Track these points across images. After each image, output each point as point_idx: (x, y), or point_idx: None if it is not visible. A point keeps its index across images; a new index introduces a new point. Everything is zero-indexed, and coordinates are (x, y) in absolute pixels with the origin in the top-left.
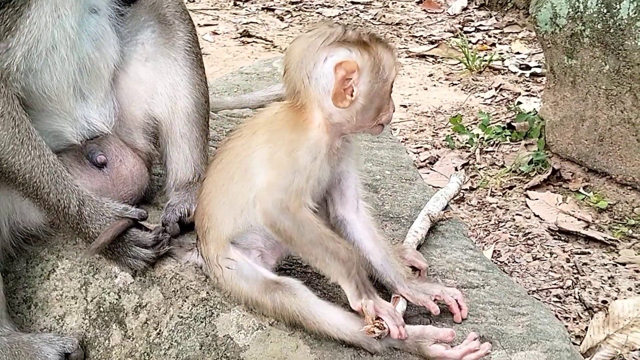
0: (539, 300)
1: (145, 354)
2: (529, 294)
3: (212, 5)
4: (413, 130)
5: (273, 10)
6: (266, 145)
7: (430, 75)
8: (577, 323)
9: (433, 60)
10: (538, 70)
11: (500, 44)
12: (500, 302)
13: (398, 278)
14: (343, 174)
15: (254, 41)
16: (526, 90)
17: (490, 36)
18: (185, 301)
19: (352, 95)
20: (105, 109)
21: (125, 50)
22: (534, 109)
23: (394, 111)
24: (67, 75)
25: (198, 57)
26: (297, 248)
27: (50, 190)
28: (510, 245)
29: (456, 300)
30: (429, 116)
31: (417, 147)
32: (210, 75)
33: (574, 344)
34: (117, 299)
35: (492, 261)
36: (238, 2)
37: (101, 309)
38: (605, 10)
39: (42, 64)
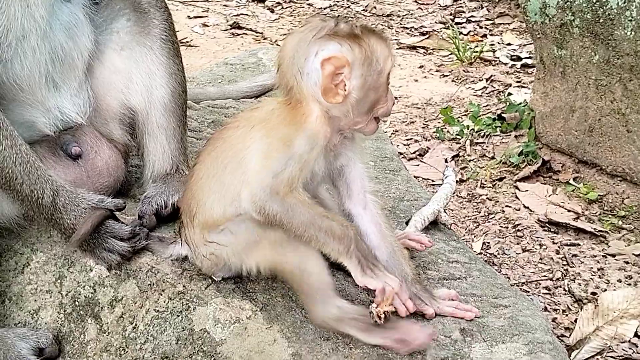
0: (528, 292)
1: (121, 348)
2: (518, 285)
3: None
4: (403, 122)
5: (263, 1)
6: (263, 139)
7: (421, 66)
8: (567, 315)
9: (424, 52)
10: (529, 61)
11: (491, 35)
12: (483, 293)
13: (402, 277)
14: (345, 168)
15: (244, 33)
16: (517, 82)
17: (481, 27)
18: (161, 295)
19: (344, 90)
20: (79, 99)
21: (100, 39)
22: (525, 100)
23: (393, 104)
24: (39, 65)
25: (175, 45)
26: (290, 232)
27: (23, 180)
28: (499, 237)
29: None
30: (420, 108)
31: (407, 139)
32: (200, 67)
33: (563, 335)
34: (92, 293)
35: (482, 253)
36: None
37: (76, 303)
38: (594, 0)
39: (12, 54)
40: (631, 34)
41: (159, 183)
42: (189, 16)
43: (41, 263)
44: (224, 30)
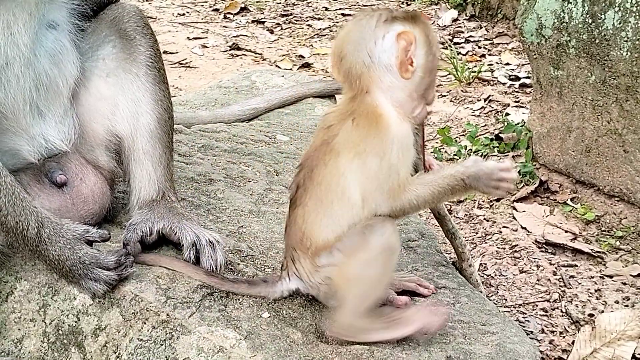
0: (525, 314)
1: None
2: (515, 307)
3: (202, 19)
4: None
5: (263, 22)
6: (354, 161)
7: None
8: (564, 337)
9: None
10: (527, 81)
11: (490, 54)
12: (470, 320)
13: None
14: None
15: (243, 54)
16: (515, 101)
17: (480, 47)
18: (145, 323)
19: (412, 65)
20: (64, 126)
21: (86, 65)
22: (522, 120)
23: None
24: (23, 92)
25: (161, 72)
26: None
27: (8, 212)
28: (496, 258)
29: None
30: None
31: None
32: (199, 88)
33: (561, 358)
34: (76, 322)
35: (479, 274)
36: (228, 15)
37: (60, 331)
38: (590, 21)
39: None
40: (627, 54)
41: (145, 210)
42: (188, 37)
43: (25, 291)
44: (224, 52)
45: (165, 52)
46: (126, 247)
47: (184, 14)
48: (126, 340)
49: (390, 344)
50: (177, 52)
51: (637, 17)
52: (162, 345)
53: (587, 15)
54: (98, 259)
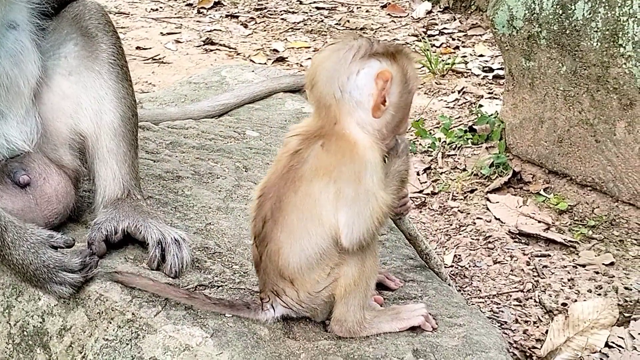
0: (499, 304)
1: None
2: (489, 298)
3: (175, 14)
4: None
5: (237, 17)
6: (329, 187)
7: None
8: (538, 326)
9: None
10: (501, 73)
11: (464, 46)
12: (437, 312)
13: None
14: None
15: (217, 49)
16: (489, 93)
17: (454, 39)
18: (110, 323)
19: (384, 105)
20: (26, 126)
21: (47, 64)
22: (496, 111)
23: (409, 122)
24: None
25: (124, 69)
26: None
27: None
28: (471, 250)
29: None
30: None
31: None
32: (172, 83)
33: (534, 347)
34: (41, 322)
35: (453, 266)
36: (202, 10)
37: (25, 332)
38: (560, 12)
39: None
40: (597, 44)
41: (110, 208)
42: (162, 33)
43: None
44: (197, 47)
45: (138, 47)
46: (91, 247)
47: (157, 9)
48: (92, 340)
49: (357, 340)
50: (150, 48)
51: (607, 7)
52: (128, 344)
53: (558, 6)
54: (62, 261)
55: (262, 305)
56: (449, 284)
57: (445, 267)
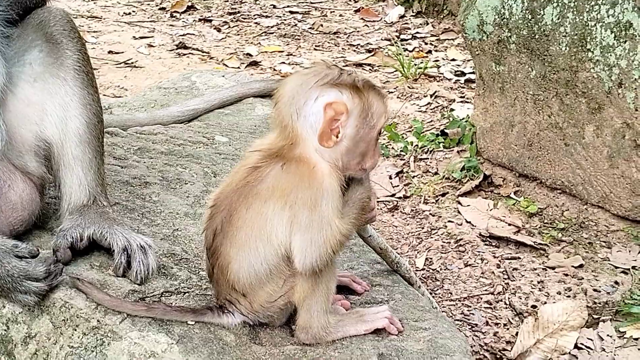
0: (469, 307)
1: None
2: (460, 300)
3: (148, 18)
4: None
5: (210, 21)
6: (285, 211)
7: None
8: (508, 329)
9: (370, 69)
10: (473, 77)
11: (436, 51)
12: (403, 316)
13: None
14: None
15: (190, 53)
16: (461, 97)
17: (426, 43)
18: (75, 330)
19: (337, 137)
20: None
21: (12, 71)
22: (467, 115)
23: (378, 158)
24: None
25: (89, 76)
26: None
27: None
28: (442, 253)
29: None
30: None
31: None
32: (144, 88)
33: (505, 349)
34: (5, 330)
35: (424, 269)
36: (175, 14)
37: None
38: (530, 17)
39: None
40: (566, 49)
41: (75, 215)
42: (134, 37)
43: None
44: (170, 51)
45: (110, 51)
46: (56, 254)
47: (129, 13)
48: (57, 347)
49: (322, 344)
50: (122, 52)
51: (575, 12)
52: (93, 351)
53: (527, 11)
54: (27, 270)
55: (223, 309)
56: (419, 287)
57: (416, 270)
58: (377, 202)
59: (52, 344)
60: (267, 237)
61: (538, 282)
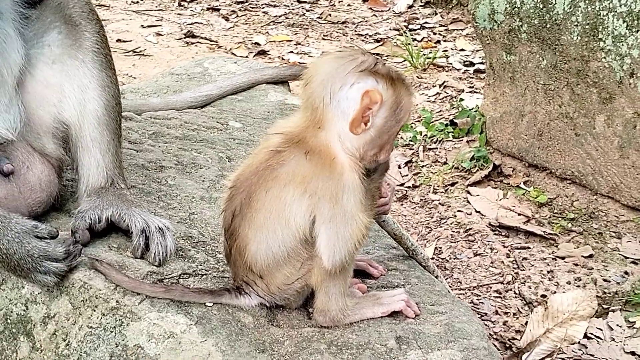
0: (479, 296)
1: None
2: (469, 289)
3: (156, 7)
4: None
5: (218, 10)
6: (303, 197)
7: None
8: (517, 318)
9: None
10: (481, 67)
11: (445, 41)
12: (420, 300)
13: None
14: None
15: (198, 42)
16: (469, 87)
17: (435, 33)
18: (94, 311)
19: (366, 125)
20: (9, 114)
21: (31, 53)
22: (476, 105)
23: (391, 152)
24: None
25: (107, 58)
26: None
27: None
28: (451, 242)
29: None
30: None
31: None
32: (152, 76)
33: (514, 338)
34: (24, 310)
35: (434, 258)
36: (183, 3)
37: (8, 320)
38: (541, 6)
39: None
40: (577, 38)
41: (93, 197)
42: (142, 25)
43: None
44: (178, 39)
45: (119, 40)
46: (74, 235)
47: (137, 2)
48: (75, 327)
49: (340, 327)
50: (131, 41)
51: (587, 1)
52: (112, 332)
53: (538, 1)
54: (47, 251)
55: (240, 290)
56: (437, 276)
57: (438, 274)
58: None
59: (71, 325)
60: (285, 220)
61: (548, 272)
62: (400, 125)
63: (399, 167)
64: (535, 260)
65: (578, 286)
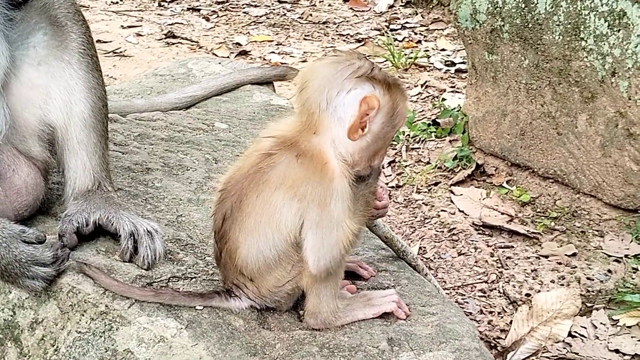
0: (463, 295)
1: None
2: (454, 289)
3: (136, 7)
4: None
5: (199, 10)
6: (293, 202)
7: None
8: (502, 317)
9: None
10: (463, 67)
11: (426, 41)
12: (410, 302)
13: None
14: None
15: (179, 42)
16: (451, 87)
17: (416, 33)
18: (83, 315)
19: (363, 130)
20: None
21: (16, 54)
22: (459, 105)
23: (384, 157)
24: None
25: (93, 59)
26: None
27: None
28: (435, 242)
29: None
30: None
31: None
32: (134, 77)
33: (499, 337)
34: (11, 316)
35: (418, 258)
36: (163, 3)
37: None
38: (523, 5)
39: None
40: (559, 38)
41: (80, 200)
42: (122, 26)
43: None
44: (159, 40)
45: (98, 41)
46: (62, 239)
47: (117, 2)
48: (64, 333)
49: (331, 329)
50: (111, 41)
51: (569, 1)
52: (101, 336)
53: (520, 0)
54: (34, 256)
55: (230, 293)
56: (426, 275)
57: (427, 273)
58: None
59: (60, 330)
60: (276, 224)
61: (532, 271)
62: (396, 130)
63: (382, 167)
64: (519, 259)
65: (562, 285)
